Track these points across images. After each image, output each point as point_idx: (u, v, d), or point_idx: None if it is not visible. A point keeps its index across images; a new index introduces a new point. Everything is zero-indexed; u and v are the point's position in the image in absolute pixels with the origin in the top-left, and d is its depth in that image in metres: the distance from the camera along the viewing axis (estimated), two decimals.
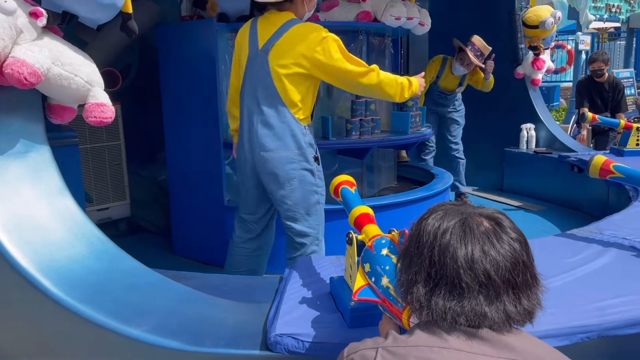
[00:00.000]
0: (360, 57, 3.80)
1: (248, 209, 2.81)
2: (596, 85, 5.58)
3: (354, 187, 2.04)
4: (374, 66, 2.55)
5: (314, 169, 2.67)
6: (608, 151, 4.74)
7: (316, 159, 2.69)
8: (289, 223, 2.70)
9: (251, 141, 2.62)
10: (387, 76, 2.57)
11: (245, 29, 2.66)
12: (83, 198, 2.75)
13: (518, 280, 0.95)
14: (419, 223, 1.04)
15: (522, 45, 5.25)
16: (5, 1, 1.68)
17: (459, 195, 5.14)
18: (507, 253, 0.95)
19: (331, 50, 2.47)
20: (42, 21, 1.77)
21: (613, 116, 5.46)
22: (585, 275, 1.98)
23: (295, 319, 1.64)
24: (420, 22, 3.89)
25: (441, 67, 4.84)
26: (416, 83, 2.67)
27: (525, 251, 0.97)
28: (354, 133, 3.59)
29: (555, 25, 5.31)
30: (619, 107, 5.59)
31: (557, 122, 6.57)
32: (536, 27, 5.19)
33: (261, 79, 2.55)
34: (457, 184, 5.09)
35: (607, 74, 5.58)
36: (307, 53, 2.47)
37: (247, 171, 2.69)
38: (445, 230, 0.98)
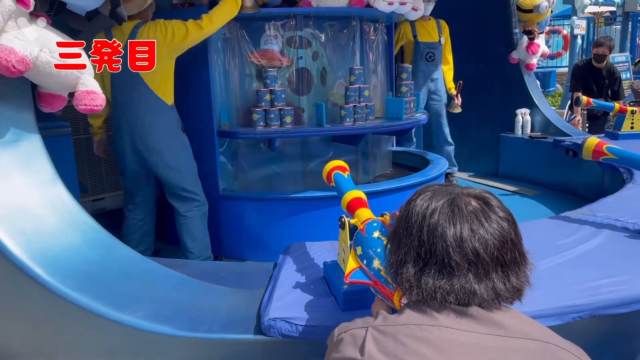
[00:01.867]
0: (354, 44, 3.83)
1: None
2: (593, 70, 5.56)
3: (347, 172, 2.04)
4: (203, 16, 3.06)
5: None
6: (603, 135, 4.74)
7: None
8: None
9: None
10: (217, 13, 3.11)
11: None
12: (77, 188, 2.75)
13: (507, 258, 0.95)
14: (407, 204, 1.04)
15: (517, 30, 5.22)
16: None
17: (447, 175, 5.19)
18: (495, 231, 0.95)
19: (175, 22, 2.97)
20: (30, 8, 1.75)
21: None
22: (578, 256, 1.99)
23: (289, 304, 1.65)
24: (413, 6, 3.88)
25: (411, 26, 4.86)
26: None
27: (513, 229, 0.98)
28: (348, 119, 3.58)
29: (550, 9, 5.29)
30: (617, 96, 5.58)
31: (553, 108, 6.57)
32: (530, 11, 5.17)
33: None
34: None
35: (606, 61, 5.58)
36: (162, 42, 2.87)
37: None
38: (434, 210, 0.98)
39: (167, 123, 3.05)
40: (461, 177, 5.55)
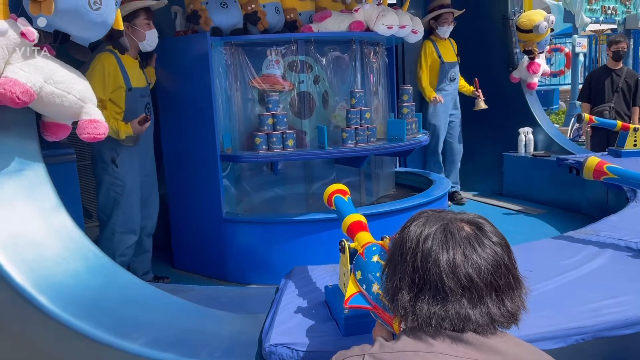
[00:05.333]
0: (355, 67, 3.88)
1: None
2: (610, 72, 5.54)
3: (347, 196, 2.05)
4: None
5: None
6: (606, 153, 4.74)
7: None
8: None
9: None
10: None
11: None
12: (81, 214, 2.76)
13: (500, 283, 0.96)
14: (401, 231, 1.05)
15: (517, 50, 5.28)
16: None
17: (452, 194, 5.23)
18: (488, 257, 0.96)
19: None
20: (33, 41, 1.80)
21: (631, 110, 5.50)
22: (580, 277, 1.99)
23: (290, 329, 1.65)
24: (412, 29, 3.92)
25: (434, 46, 4.97)
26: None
27: (506, 254, 0.98)
28: (350, 142, 3.60)
29: (549, 29, 5.33)
30: (636, 101, 5.57)
31: (557, 125, 6.57)
32: (530, 31, 5.23)
33: None
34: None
35: (622, 64, 5.60)
36: None
37: None
38: (427, 236, 0.99)
39: None
40: (465, 197, 5.54)
